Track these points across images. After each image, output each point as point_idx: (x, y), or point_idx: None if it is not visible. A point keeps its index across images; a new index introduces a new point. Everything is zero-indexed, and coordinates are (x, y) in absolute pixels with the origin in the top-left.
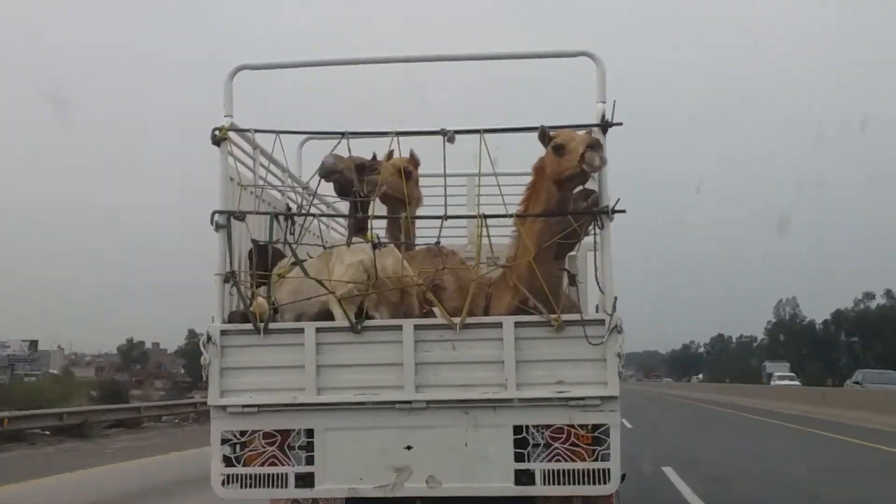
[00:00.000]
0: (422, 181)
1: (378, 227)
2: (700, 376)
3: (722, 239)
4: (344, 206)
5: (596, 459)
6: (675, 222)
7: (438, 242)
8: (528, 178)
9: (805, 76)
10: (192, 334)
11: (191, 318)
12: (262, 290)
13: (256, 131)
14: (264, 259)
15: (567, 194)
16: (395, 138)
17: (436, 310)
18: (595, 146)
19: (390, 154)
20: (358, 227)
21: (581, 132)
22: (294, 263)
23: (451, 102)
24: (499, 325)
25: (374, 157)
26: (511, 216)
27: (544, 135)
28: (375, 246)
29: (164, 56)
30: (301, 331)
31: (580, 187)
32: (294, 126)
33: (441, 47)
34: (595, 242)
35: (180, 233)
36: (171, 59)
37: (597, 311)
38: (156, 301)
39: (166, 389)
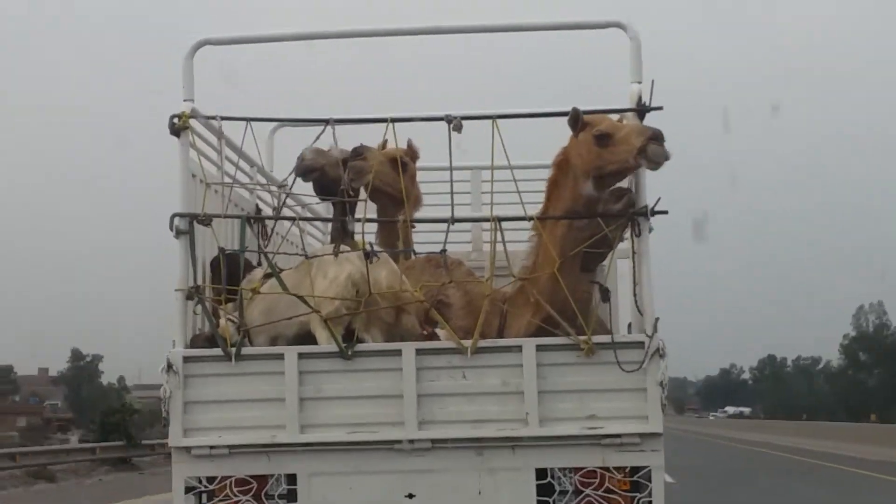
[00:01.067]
0: (417, 176)
1: (366, 233)
2: (730, 409)
3: (770, 234)
4: (323, 209)
5: None
6: (708, 215)
7: (444, 250)
8: (543, 173)
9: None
10: (77, 356)
11: (75, 336)
12: (229, 308)
13: (223, 119)
14: (231, 271)
15: (601, 193)
16: (391, 126)
17: (441, 331)
18: (659, 138)
19: (384, 144)
20: (341, 231)
21: (625, 119)
22: (267, 276)
23: (454, 85)
24: (518, 348)
25: (361, 146)
26: (531, 219)
27: (577, 119)
28: (367, 255)
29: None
30: (280, 357)
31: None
32: (264, 112)
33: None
34: (632, 250)
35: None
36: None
37: (629, 330)
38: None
39: (22, 430)
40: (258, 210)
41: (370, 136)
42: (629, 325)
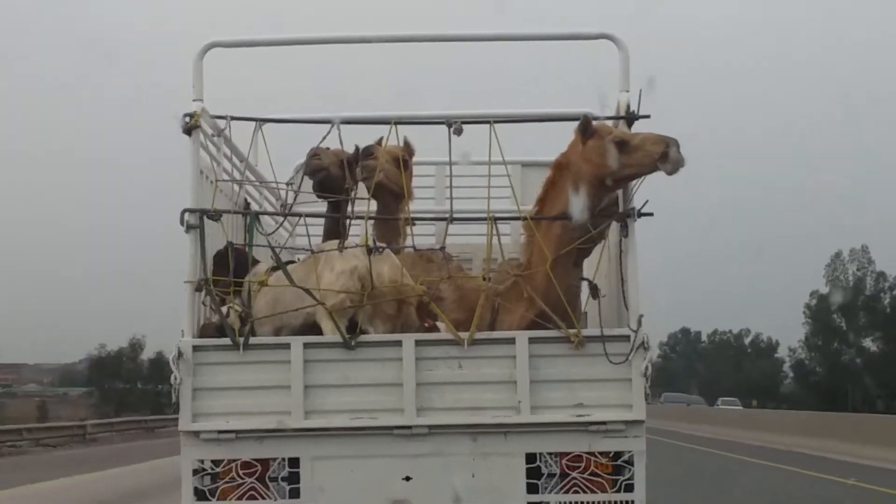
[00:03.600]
0: None
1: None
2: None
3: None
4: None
5: (619, 490)
6: None
7: (443, 247)
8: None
9: None
10: None
11: None
12: (235, 299)
13: (233, 119)
14: (235, 264)
15: (604, 196)
16: (393, 127)
17: (440, 324)
18: (675, 144)
19: (379, 142)
20: (334, 228)
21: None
22: (274, 269)
23: (443, 88)
24: (511, 340)
25: (358, 148)
26: (525, 218)
27: (587, 125)
28: (370, 250)
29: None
30: (287, 346)
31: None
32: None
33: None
34: (620, 249)
35: None
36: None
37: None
38: None
39: None
40: (247, 205)
41: (363, 134)
42: (585, 313)
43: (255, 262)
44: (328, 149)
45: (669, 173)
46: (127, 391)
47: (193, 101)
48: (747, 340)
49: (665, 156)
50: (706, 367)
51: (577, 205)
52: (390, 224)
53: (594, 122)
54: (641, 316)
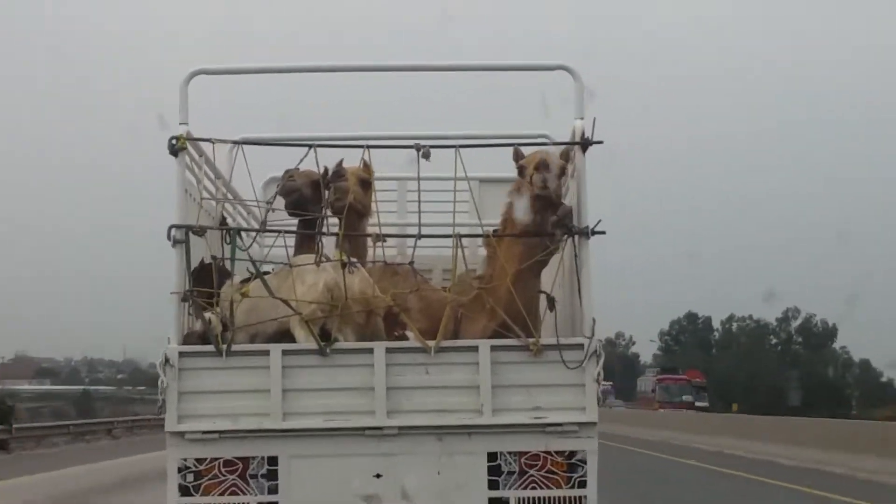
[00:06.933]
0: None
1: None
2: None
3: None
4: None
5: (573, 487)
6: None
7: (412, 262)
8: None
9: None
10: None
11: None
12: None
13: (217, 141)
14: (212, 277)
15: (544, 214)
16: (366, 150)
17: (409, 333)
18: (541, 167)
19: (340, 162)
20: (303, 242)
21: (542, 151)
22: (247, 280)
23: (415, 109)
24: (475, 348)
25: (326, 170)
26: (488, 236)
27: (518, 156)
28: (344, 265)
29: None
30: (266, 353)
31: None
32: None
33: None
34: (576, 264)
35: None
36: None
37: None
38: None
39: None
40: (224, 221)
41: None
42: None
43: (228, 274)
44: (298, 170)
45: (540, 194)
46: None
47: (179, 124)
48: (794, 325)
49: (531, 178)
50: (734, 362)
51: (523, 220)
52: (356, 240)
53: (536, 150)
54: (594, 321)
